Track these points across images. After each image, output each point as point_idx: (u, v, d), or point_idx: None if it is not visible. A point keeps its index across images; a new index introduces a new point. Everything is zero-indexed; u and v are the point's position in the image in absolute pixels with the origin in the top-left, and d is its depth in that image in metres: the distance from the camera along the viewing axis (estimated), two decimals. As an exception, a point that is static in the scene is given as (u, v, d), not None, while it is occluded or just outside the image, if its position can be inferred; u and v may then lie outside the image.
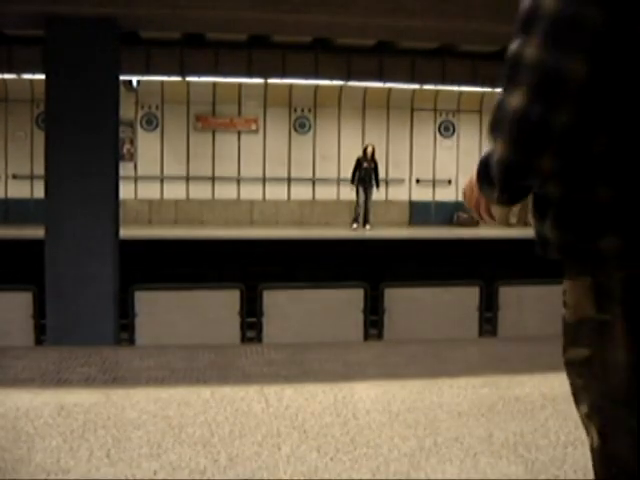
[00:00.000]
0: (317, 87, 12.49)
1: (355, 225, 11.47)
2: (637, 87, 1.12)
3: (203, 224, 12.13)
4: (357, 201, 11.50)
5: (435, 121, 13.03)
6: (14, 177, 12.02)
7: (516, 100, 1.07)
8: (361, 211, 11.46)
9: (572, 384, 1.36)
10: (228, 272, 8.32)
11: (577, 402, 1.36)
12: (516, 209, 12.24)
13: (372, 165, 11.40)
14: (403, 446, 2.03)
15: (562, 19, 1.03)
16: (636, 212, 1.17)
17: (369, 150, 11.47)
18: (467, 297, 5.56)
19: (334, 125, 12.90)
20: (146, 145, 12.47)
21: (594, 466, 1.37)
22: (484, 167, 1.18)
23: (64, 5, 5.66)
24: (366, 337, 5.33)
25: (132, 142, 12.42)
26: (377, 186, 11.48)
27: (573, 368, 1.34)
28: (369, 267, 9.02)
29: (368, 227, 11.46)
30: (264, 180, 12.71)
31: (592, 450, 1.33)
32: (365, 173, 11.37)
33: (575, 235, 1.22)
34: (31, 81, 11.22)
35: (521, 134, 1.07)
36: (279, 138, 12.79)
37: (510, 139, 1.09)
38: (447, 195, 13.00)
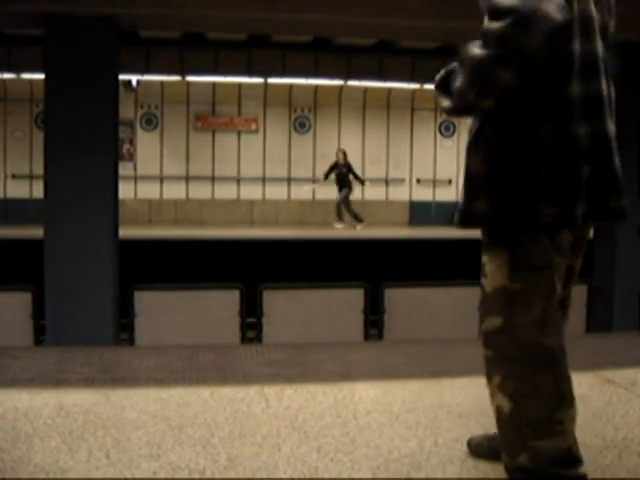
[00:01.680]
0: (317, 87, 12.49)
1: (359, 227, 11.58)
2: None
3: (203, 224, 12.13)
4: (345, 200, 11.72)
5: (435, 121, 13.03)
6: (13, 177, 12.02)
7: (478, 52, 1.31)
8: (341, 209, 11.72)
9: (486, 358, 1.49)
10: (228, 272, 8.31)
11: (490, 376, 1.50)
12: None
13: (344, 170, 11.53)
14: (403, 447, 2.03)
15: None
16: (571, 187, 1.38)
17: (340, 156, 11.58)
18: (467, 297, 5.55)
19: (334, 125, 12.91)
20: (146, 145, 12.47)
21: (502, 431, 1.48)
22: (443, 82, 1.43)
23: (63, 4, 5.65)
24: (366, 337, 5.33)
25: (132, 142, 12.43)
26: (361, 183, 11.70)
27: (489, 338, 1.47)
28: (369, 267, 9.01)
29: (339, 225, 11.55)
30: (264, 180, 12.71)
31: (501, 417, 1.46)
32: (339, 177, 11.57)
33: (513, 204, 1.38)
34: (30, 81, 11.21)
35: (474, 77, 1.34)
36: (279, 138, 12.79)
37: (466, 77, 1.35)
38: (447, 195, 13.00)
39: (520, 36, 1.25)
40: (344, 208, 11.72)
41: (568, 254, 1.46)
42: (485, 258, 1.46)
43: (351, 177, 11.58)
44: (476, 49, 1.31)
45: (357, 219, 11.68)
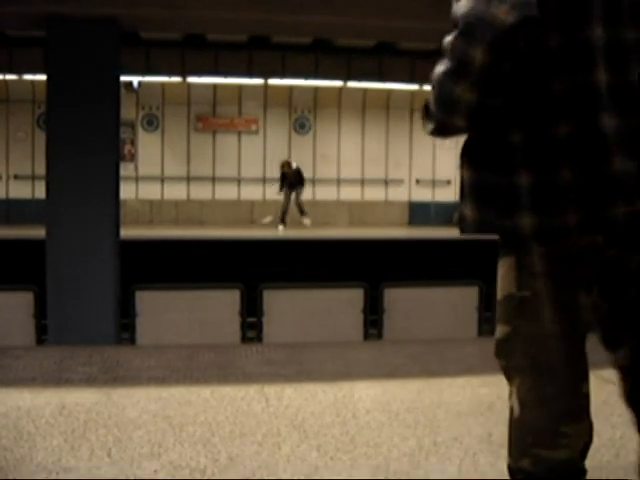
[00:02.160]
0: (317, 88, 12.51)
1: (281, 227, 11.51)
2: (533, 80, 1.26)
3: (203, 224, 12.14)
4: (285, 203, 11.70)
5: (435, 121, 13.04)
6: (15, 177, 12.05)
7: (438, 69, 1.26)
8: (288, 211, 11.69)
9: (500, 366, 1.43)
10: (228, 272, 8.33)
11: (509, 380, 1.43)
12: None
13: (294, 178, 11.60)
14: (403, 445, 2.04)
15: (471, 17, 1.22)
16: (550, 194, 1.26)
17: (286, 168, 11.63)
18: (466, 297, 5.57)
19: (334, 126, 12.92)
20: (147, 145, 12.48)
21: (510, 431, 1.43)
22: (427, 106, 1.35)
23: (64, 6, 5.67)
24: (366, 337, 5.34)
25: (133, 143, 12.45)
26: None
27: (498, 347, 1.41)
28: (369, 267, 9.02)
29: (307, 221, 11.57)
30: (264, 181, 12.73)
31: (511, 419, 1.41)
32: (290, 184, 11.66)
33: (493, 214, 1.31)
34: (32, 82, 11.23)
35: (439, 98, 1.28)
36: (279, 139, 12.81)
37: (434, 99, 1.29)
38: (447, 195, 13.01)
39: (466, 47, 1.19)
40: (288, 203, 11.66)
41: (594, 259, 1.32)
42: (498, 264, 1.40)
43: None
44: (438, 66, 1.26)
45: (283, 218, 11.60)
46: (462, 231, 1.39)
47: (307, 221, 11.66)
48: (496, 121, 1.30)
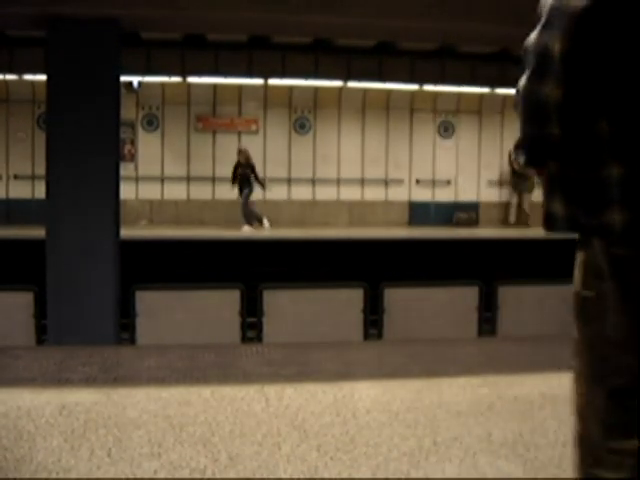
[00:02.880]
0: (317, 88, 12.51)
1: (266, 224, 11.16)
2: (619, 69, 1.18)
3: (204, 224, 12.14)
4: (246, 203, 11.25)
5: (435, 122, 13.04)
6: (15, 177, 12.04)
7: (521, 80, 1.21)
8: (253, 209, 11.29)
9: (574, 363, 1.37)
10: (228, 272, 8.33)
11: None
12: (514, 209, 12.33)
13: (247, 170, 11.13)
14: (403, 445, 2.05)
15: (553, 7, 1.17)
16: (593, 188, 1.22)
17: (242, 157, 11.17)
18: (466, 297, 5.58)
19: (334, 126, 12.91)
20: (147, 146, 12.48)
21: (578, 444, 1.32)
22: (516, 144, 1.30)
23: (65, 6, 5.67)
24: (366, 337, 5.35)
25: (133, 143, 12.44)
26: (261, 186, 11.26)
27: (574, 346, 1.34)
28: (369, 267, 9.02)
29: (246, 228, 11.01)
30: (264, 180, 12.72)
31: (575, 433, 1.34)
32: (241, 178, 11.17)
33: (582, 210, 1.25)
34: (32, 82, 11.23)
35: (527, 108, 1.21)
36: (279, 139, 12.80)
37: (522, 114, 1.23)
38: (447, 195, 13.01)
39: (546, 39, 1.14)
40: (243, 209, 11.24)
41: None
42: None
43: (252, 178, 11.14)
44: (521, 80, 1.21)
45: (258, 220, 11.21)
46: (550, 229, 1.32)
47: (247, 228, 11.00)
48: (582, 112, 1.22)
